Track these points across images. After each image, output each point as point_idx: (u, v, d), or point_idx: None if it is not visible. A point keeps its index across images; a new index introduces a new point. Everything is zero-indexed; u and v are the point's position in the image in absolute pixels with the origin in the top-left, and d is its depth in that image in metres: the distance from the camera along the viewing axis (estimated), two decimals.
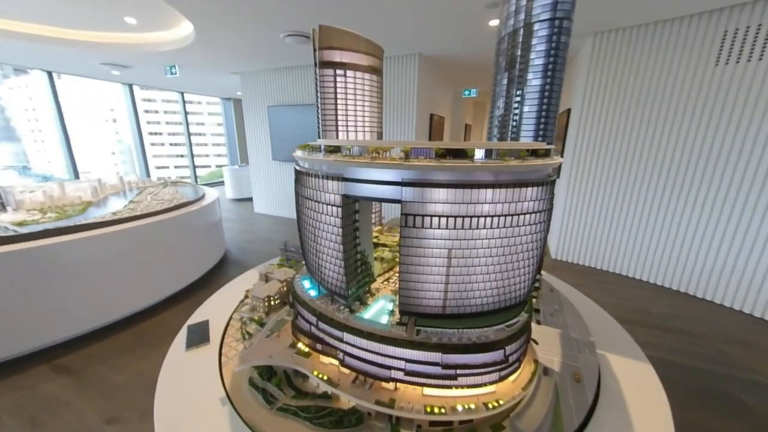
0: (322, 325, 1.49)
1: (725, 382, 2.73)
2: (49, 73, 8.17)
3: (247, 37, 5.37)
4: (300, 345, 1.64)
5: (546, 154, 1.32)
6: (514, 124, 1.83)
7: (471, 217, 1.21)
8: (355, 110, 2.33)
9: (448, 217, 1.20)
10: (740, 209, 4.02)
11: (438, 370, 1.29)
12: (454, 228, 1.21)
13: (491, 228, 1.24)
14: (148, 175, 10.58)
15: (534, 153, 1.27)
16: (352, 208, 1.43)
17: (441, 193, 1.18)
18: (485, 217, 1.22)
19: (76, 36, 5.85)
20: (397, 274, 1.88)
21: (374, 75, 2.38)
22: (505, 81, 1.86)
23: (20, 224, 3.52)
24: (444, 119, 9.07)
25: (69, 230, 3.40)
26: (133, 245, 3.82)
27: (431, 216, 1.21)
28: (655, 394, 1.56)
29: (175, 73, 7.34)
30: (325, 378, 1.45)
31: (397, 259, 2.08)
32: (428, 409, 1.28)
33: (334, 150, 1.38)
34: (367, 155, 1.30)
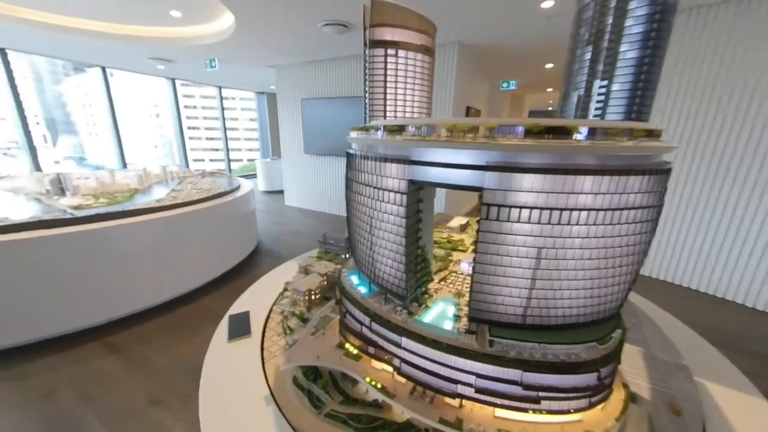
0: (375, 326, 1.34)
1: None
2: (103, 69, 8.70)
3: (285, 26, 5.34)
4: (348, 346, 1.50)
5: (659, 135, 1.07)
6: (599, 106, 1.56)
7: (566, 210, 1.00)
8: (405, 94, 2.14)
9: (541, 209, 0.99)
10: None
11: (517, 390, 1.10)
12: (548, 223, 1.00)
13: (590, 225, 1.02)
14: (187, 167, 11.07)
15: (650, 134, 1.03)
16: (417, 197, 1.26)
17: (532, 180, 0.98)
18: (584, 210, 1.00)
19: (127, 31, 6.12)
20: (453, 274, 1.69)
21: (426, 55, 2.18)
22: (588, 56, 1.60)
23: (76, 208, 3.71)
24: (480, 112, 8.67)
25: (119, 215, 3.53)
26: (174, 231, 3.91)
27: (520, 207, 1.00)
28: None
29: (215, 67, 7.53)
30: (380, 386, 1.30)
31: (451, 257, 1.89)
32: None
33: (398, 130, 1.21)
34: (439, 135, 1.12)
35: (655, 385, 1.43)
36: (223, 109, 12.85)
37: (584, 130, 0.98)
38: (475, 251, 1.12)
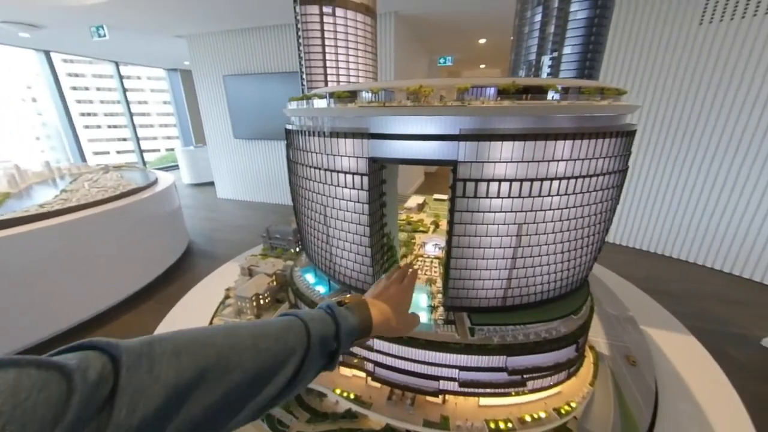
0: None
1: (711, 338, 2.83)
2: None
3: None
4: None
5: (624, 95, 1.04)
6: (550, 70, 1.52)
7: (545, 180, 0.91)
8: (348, 61, 1.89)
9: (521, 181, 0.89)
10: (716, 168, 4.12)
11: (503, 376, 1.03)
12: (529, 195, 0.90)
13: (566, 194, 0.95)
14: (84, 161, 9.17)
15: (618, 93, 0.97)
16: (379, 177, 1.07)
17: (510, 149, 0.86)
18: (561, 180, 0.92)
19: None
20: (420, 258, 1.57)
21: (368, 16, 1.93)
22: (538, 17, 1.53)
23: None
24: None
25: None
26: (73, 241, 3.14)
27: (499, 180, 0.88)
28: (710, 369, 1.44)
29: (104, 35, 6.11)
30: (353, 396, 1.14)
31: (414, 240, 1.77)
32: (491, 425, 1.02)
33: (349, 97, 0.99)
34: (400, 101, 0.93)
35: (611, 340, 1.52)
36: (124, 90, 10.81)
37: (560, 89, 0.88)
38: (449, 234, 0.99)
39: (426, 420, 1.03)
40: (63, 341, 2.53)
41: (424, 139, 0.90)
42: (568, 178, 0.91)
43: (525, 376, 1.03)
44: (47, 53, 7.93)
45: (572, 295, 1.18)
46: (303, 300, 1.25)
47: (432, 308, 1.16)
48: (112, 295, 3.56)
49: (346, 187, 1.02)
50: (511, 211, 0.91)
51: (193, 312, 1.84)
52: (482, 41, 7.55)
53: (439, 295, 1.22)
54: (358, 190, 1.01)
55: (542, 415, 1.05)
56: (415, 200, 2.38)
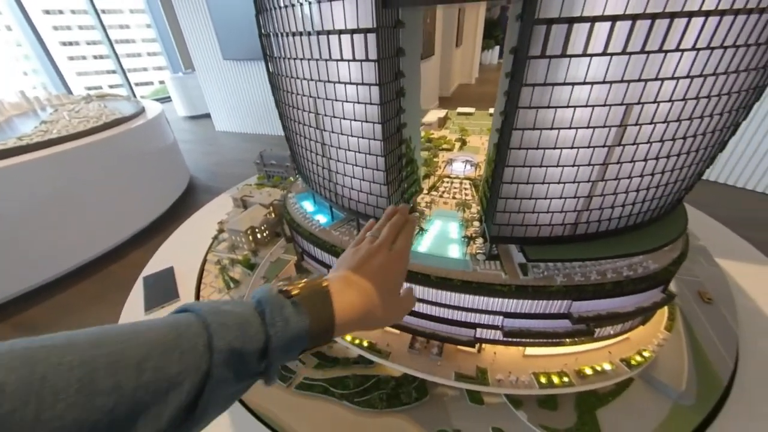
0: None
1: None
2: None
3: None
4: None
5: None
6: None
7: (682, 14, 0.51)
8: None
9: (653, 18, 0.49)
10: None
11: (564, 325, 0.78)
12: (659, 49, 0.51)
13: (699, 48, 0.55)
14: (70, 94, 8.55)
15: None
16: (394, 41, 0.67)
17: None
18: (697, 15, 0.52)
19: None
20: (446, 179, 1.24)
21: None
22: None
23: None
24: None
25: None
26: (60, 177, 2.92)
27: (612, 19, 0.49)
28: None
29: None
30: (366, 344, 0.94)
31: (436, 158, 1.42)
32: (542, 379, 0.82)
33: None
34: None
35: (678, 273, 1.24)
36: (97, 12, 9.53)
37: None
38: (503, 131, 0.64)
39: (458, 373, 0.82)
40: (77, 276, 2.39)
41: None
42: (702, 13, 0.51)
43: (594, 324, 0.77)
44: None
45: (661, 220, 0.86)
46: (299, 231, 0.98)
47: (467, 240, 0.87)
48: (116, 233, 3.45)
49: (342, 59, 0.64)
50: (622, 81, 0.54)
51: (183, 250, 1.64)
52: None
53: (476, 223, 0.92)
54: (361, 62, 0.63)
55: (607, 367, 0.83)
56: (435, 114, 1.95)
